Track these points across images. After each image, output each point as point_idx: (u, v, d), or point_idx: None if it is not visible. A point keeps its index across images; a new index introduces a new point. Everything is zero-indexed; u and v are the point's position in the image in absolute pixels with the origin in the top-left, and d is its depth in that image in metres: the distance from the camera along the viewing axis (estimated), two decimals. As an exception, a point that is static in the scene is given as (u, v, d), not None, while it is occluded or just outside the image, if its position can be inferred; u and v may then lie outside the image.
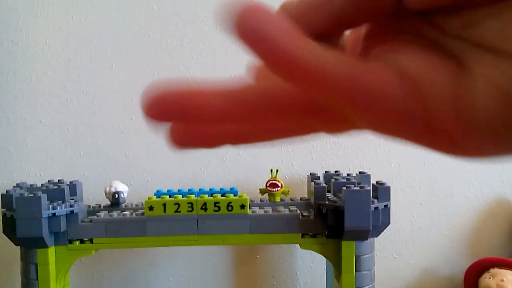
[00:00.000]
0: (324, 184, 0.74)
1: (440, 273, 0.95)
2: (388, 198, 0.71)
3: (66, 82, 0.92)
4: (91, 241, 0.72)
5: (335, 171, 0.84)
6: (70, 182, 0.79)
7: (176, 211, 0.71)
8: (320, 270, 0.92)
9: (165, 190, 0.76)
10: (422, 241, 0.95)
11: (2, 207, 0.71)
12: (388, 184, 0.72)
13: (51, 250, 0.71)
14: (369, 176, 0.77)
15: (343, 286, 0.71)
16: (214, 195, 0.73)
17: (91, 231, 0.72)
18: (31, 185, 0.78)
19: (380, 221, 0.70)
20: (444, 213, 0.94)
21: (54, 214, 0.69)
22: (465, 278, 0.87)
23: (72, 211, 0.71)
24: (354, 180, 0.75)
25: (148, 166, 0.93)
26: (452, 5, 0.15)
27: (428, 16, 0.15)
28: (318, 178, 0.82)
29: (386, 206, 0.71)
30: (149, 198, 0.72)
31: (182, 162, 0.92)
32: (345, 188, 0.68)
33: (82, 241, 0.72)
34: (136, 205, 0.81)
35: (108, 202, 0.80)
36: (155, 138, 0.91)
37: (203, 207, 0.71)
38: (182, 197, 0.72)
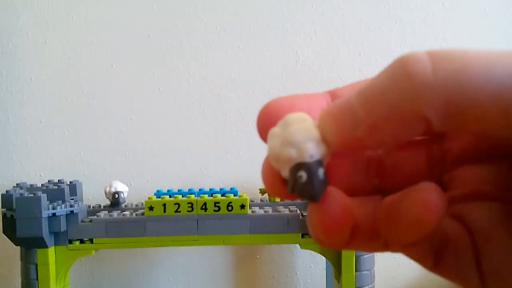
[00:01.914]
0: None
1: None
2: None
3: (66, 82, 0.92)
4: (91, 241, 0.72)
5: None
6: (70, 182, 0.79)
7: (176, 211, 0.71)
8: (320, 270, 0.92)
9: (165, 190, 0.76)
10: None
11: (2, 207, 0.71)
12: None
13: (51, 250, 0.71)
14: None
15: (343, 286, 0.71)
16: (214, 195, 0.72)
17: (91, 231, 0.72)
18: (31, 185, 0.78)
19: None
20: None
21: (54, 214, 0.69)
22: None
23: (72, 211, 0.71)
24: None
25: (148, 166, 0.93)
26: None
27: None
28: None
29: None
30: (149, 198, 0.72)
31: (182, 162, 0.92)
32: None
33: (82, 241, 0.72)
34: (136, 205, 0.81)
35: (108, 202, 0.80)
36: (155, 138, 0.91)
37: (203, 207, 0.71)
38: (182, 197, 0.72)
